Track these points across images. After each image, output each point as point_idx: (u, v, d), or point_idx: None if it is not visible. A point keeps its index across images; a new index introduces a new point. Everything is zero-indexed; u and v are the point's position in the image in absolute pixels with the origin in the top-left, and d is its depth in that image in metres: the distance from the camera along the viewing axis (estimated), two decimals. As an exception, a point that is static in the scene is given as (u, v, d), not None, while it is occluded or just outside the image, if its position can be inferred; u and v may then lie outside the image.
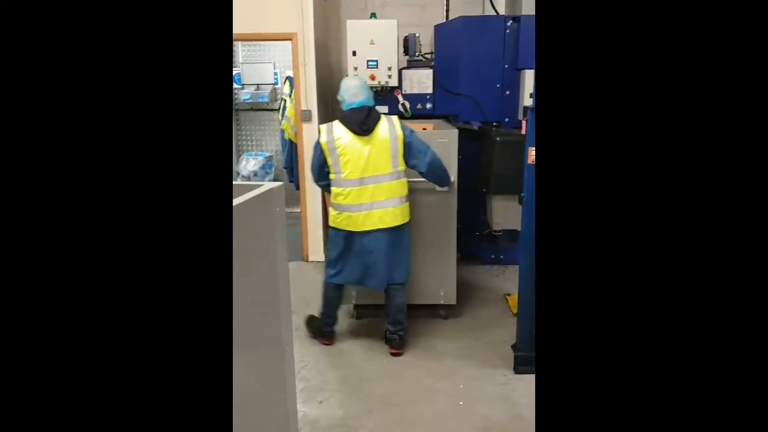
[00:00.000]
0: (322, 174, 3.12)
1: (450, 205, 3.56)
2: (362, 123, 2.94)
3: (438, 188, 3.37)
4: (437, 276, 3.67)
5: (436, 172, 3.14)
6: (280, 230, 1.61)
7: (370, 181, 3.01)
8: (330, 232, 3.23)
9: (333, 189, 3.10)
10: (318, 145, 3.05)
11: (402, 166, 3.06)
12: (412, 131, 3.08)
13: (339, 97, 3.09)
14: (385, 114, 3.09)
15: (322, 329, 3.41)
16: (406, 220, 3.19)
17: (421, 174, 3.14)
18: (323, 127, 3.07)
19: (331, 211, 3.16)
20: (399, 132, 2.99)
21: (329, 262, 3.24)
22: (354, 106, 3.00)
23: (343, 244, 3.15)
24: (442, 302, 3.74)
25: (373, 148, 2.97)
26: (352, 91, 3.02)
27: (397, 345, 3.31)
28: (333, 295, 3.31)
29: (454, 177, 3.43)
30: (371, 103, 3.04)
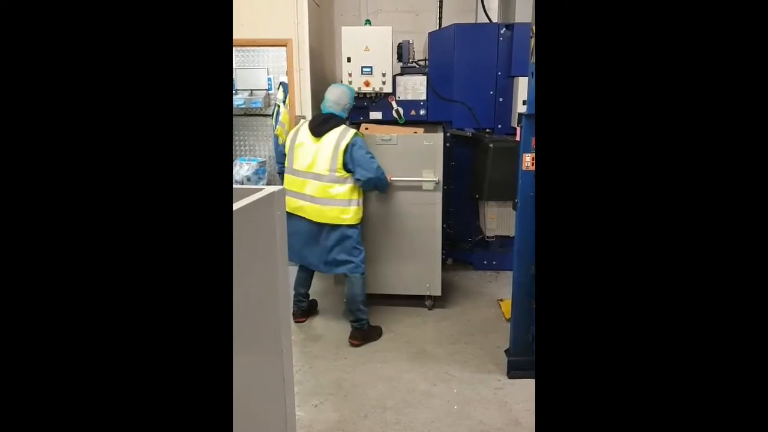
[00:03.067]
0: (282, 159, 3.59)
1: (435, 201, 3.83)
2: (317, 126, 3.33)
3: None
4: (424, 269, 3.94)
5: (368, 186, 3.43)
6: (281, 233, 1.62)
7: (310, 176, 3.36)
8: None
9: (285, 175, 3.52)
10: (288, 134, 3.52)
11: (341, 172, 3.31)
12: (361, 148, 3.31)
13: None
14: (346, 126, 3.35)
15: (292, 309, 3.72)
16: (342, 222, 3.39)
17: (357, 182, 3.38)
18: (301, 121, 3.53)
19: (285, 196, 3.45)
20: (344, 144, 3.26)
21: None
22: (323, 111, 3.43)
23: (290, 226, 3.41)
24: (428, 293, 4.00)
25: (319, 150, 3.31)
26: (327, 102, 3.41)
27: (352, 335, 3.54)
28: (297, 276, 3.70)
29: (439, 177, 3.75)
30: (338, 113, 3.39)
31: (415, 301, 4.06)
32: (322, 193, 3.34)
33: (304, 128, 3.40)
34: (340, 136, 3.27)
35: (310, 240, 3.46)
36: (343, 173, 3.31)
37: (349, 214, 3.39)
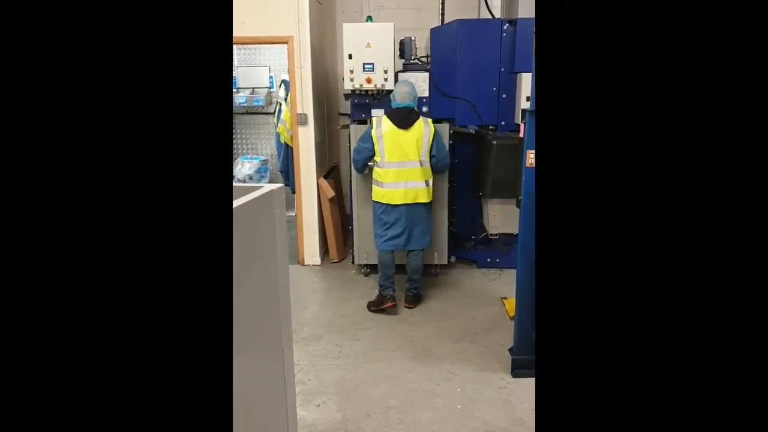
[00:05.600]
0: (366, 159, 3.93)
1: (443, 182, 4.40)
2: (403, 119, 3.77)
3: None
4: (432, 240, 4.34)
5: (441, 169, 4.04)
6: (280, 232, 1.60)
7: (405, 164, 3.81)
8: (374, 206, 4.01)
9: (376, 170, 3.90)
10: (369, 135, 3.84)
11: (428, 157, 3.88)
12: (442, 137, 3.99)
13: (391, 97, 3.90)
14: (422, 116, 3.89)
15: (383, 294, 3.98)
16: (430, 199, 3.96)
17: (432, 164, 3.94)
18: (374, 120, 3.88)
19: (374, 188, 3.94)
20: (431, 132, 3.83)
21: (376, 233, 4.01)
22: (400, 106, 3.81)
23: (388, 216, 3.91)
24: (436, 262, 4.58)
25: (411, 140, 3.78)
26: (401, 96, 3.81)
27: (410, 300, 4.07)
28: (387, 259, 3.98)
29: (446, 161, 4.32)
30: (413, 105, 3.83)
31: (425, 268, 4.28)
32: (418, 177, 3.83)
33: (385, 125, 3.79)
34: (426, 126, 3.81)
35: (414, 220, 3.90)
36: (428, 157, 3.86)
37: (430, 192, 3.96)
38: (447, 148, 4.05)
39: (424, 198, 3.88)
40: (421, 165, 3.82)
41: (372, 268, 4.58)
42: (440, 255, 4.58)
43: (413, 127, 3.78)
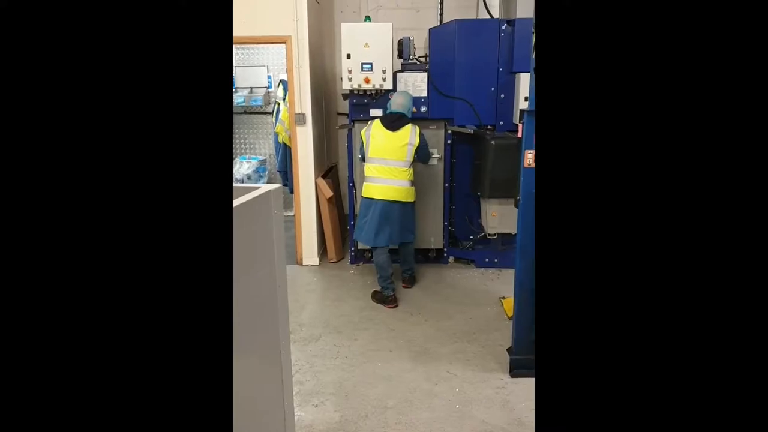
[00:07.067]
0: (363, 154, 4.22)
1: (438, 171, 4.76)
2: (392, 122, 4.01)
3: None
4: (429, 227, 4.85)
5: (422, 161, 4.33)
6: (278, 232, 1.59)
7: (390, 163, 4.02)
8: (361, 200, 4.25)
9: (365, 165, 4.15)
10: (361, 136, 4.15)
11: (412, 159, 4.09)
12: (426, 145, 4.19)
13: (387, 105, 4.17)
14: (411, 123, 4.09)
15: (385, 294, 4.14)
16: (412, 199, 4.15)
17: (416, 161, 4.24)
18: (369, 122, 4.16)
19: (364, 184, 4.17)
20: (417, 140, 4.03)
21: (357, 225, 4.25)
22: (392, 111, 4.05)
23: (366, 210, 4.12)
24: (432, 246, 4.90)
25: (397, 142, 3.99)
26: (396, 105, 4.06)
27: (407, 281, 4.46)
28: (382, 260, 4.15)
29: (442, 153, 4.73)
30: (405, 113, 4.07)
31: (421, 253, 4.81)
32: (400, 176, 4.03)
33: (375, 125, 4.06)
34: (413, 132, 4.02)
35: (390, 217, 4.06)
36: (413, 159, 4.09)
37: (413, 192, 4.15)
38: (428, 152, 4.28)
39: (405, 196, 4.06)
40: (404, 165, 4.02)
41: (371, 252, 4.74)
42: (436, 239, 4.89)
43: (401, 130, 3.98)
